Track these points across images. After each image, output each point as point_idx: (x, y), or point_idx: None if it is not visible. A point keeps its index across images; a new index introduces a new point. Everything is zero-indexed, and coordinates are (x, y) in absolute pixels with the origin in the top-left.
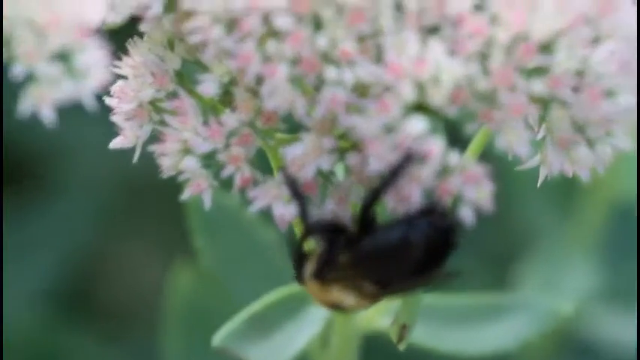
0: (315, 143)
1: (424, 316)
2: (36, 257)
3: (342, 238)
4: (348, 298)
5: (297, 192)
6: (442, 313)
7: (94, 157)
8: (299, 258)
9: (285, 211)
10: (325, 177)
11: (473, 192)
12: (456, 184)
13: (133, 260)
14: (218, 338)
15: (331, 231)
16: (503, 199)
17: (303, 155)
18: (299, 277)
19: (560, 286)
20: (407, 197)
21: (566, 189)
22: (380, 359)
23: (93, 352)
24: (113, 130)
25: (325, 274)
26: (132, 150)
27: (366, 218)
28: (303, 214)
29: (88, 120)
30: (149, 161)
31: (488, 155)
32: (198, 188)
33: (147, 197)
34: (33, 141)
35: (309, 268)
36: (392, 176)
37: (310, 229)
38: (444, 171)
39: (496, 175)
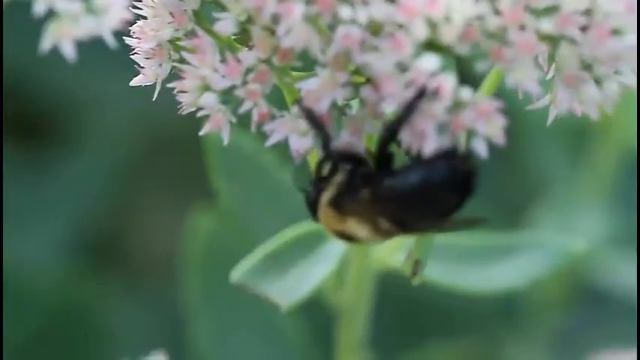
0: (330, 77)
1: (437, 254)
2: (59, 209)
3: (361, 172)
4: (362, 230)
5: (315, 120)
6: (455, 251)
7: (112, 110)
8: (317, 183)
9: (301, 144)
10: (340, 110)
11: (485, 126)
12: (468, 118)
13: (155, 210)
14: (235, 274)
15: (351, 160)
16: (515, 147)
17: (318, 89)
18: (313, 205)
19: (572, 231)
20: (421, 133)
21: (578, 134)
22: (394, 298)
23: (117, 300)
24: (130, 82)
25: (343, 203)
26: (150, 100)
27: (383, 155)
28: (324, 140)
29: (105, 75)
30: (169, 112)
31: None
32: (217, 123)
33: (167, 148)
34: (52, 94)
35: (327, 195)
36: (406, 112)
37: (331, 155)
38: (457, 106)
39: (508, 122)
